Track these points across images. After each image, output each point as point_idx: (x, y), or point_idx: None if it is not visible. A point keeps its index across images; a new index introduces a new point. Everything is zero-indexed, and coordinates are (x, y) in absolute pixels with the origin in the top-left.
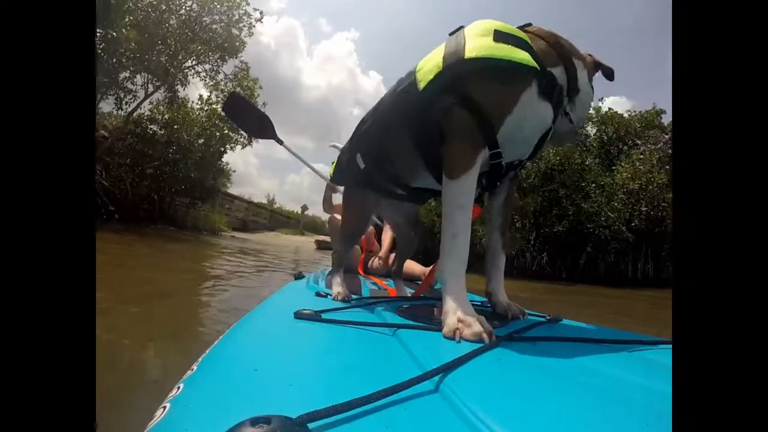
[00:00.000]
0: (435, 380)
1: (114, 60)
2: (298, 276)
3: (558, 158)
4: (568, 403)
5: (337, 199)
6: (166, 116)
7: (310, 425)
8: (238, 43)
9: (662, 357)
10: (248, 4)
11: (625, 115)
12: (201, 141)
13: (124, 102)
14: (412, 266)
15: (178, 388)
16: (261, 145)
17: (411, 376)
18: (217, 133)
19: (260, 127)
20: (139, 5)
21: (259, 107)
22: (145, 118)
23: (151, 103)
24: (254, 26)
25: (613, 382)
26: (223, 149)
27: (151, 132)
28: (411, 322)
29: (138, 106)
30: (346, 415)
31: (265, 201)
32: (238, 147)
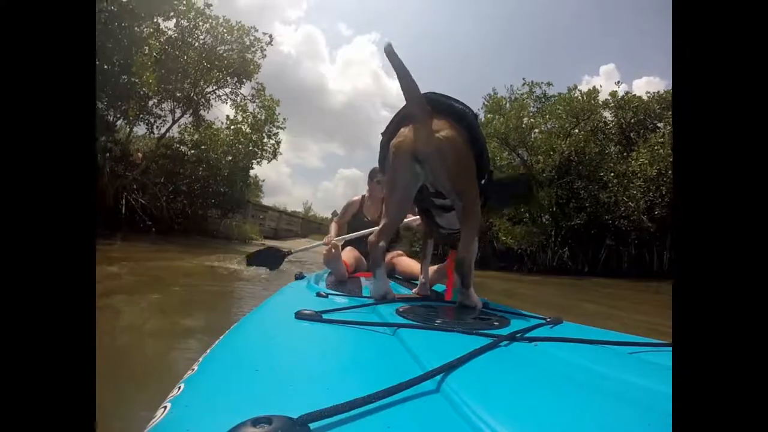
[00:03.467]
0: (436, 380)
1: (141, 91)
2: (299, 276)
3: (573, 148)
4: (569, 404)
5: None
6: (195, 137)
7: (312, 425)
8: (252, 67)
9: (662, 359)
10: (257, 30)
11: (645, 97)
12: (229, 158)
13: (154, 126)
14: (411, 265)
15: (179, 387)
16: (292, 153)
17: (412, 376)
18: (243, 150)
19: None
20: (157, 43)
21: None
22: (175, 140)
23: (179, 126)
24: (265, 49)
25: (614, 383)
26: (249, 165)
27: (181, 153)
28: (412, 322)
29: (168, 130)
30: (347, 415)
31: (300, 209)
32: (264, 162)
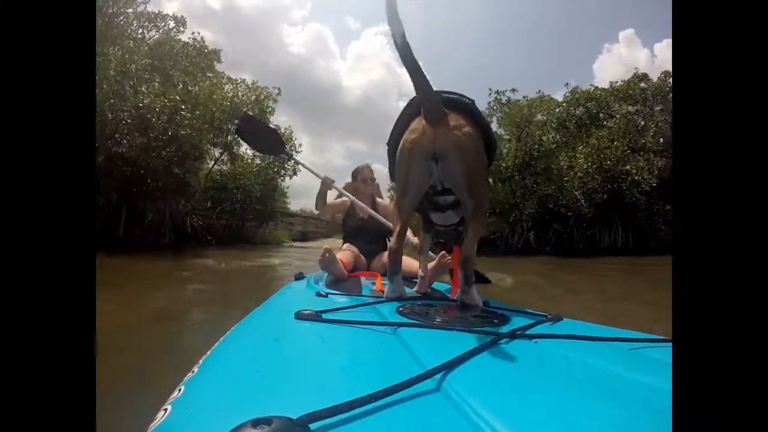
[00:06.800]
0: (436, 379)
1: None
2: (299, 276)
3: (521, 151)
4: (569, 401)
5: (332, 196)
6: (228, 166)
7: (312, 426)
8: (268, 113)
9: (662, 355)
10: (268, 89)
11: (607, 87)
12: (260, 180)
13: (197, 162)
14: (412, 263)
15: (179, 390)
16: (316, 155)
17: (412, 375)
18: (271, 173)
19: (271, 145)
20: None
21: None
22: (217, 173)
23: (218, 163)
24: (276, 99)
25: (614, 379)
26: (276, 184)
27: (222, 183)
28: (412, 321)
29: (213, 167)
30: (347, 415)
31: None
32: (287, 177)
